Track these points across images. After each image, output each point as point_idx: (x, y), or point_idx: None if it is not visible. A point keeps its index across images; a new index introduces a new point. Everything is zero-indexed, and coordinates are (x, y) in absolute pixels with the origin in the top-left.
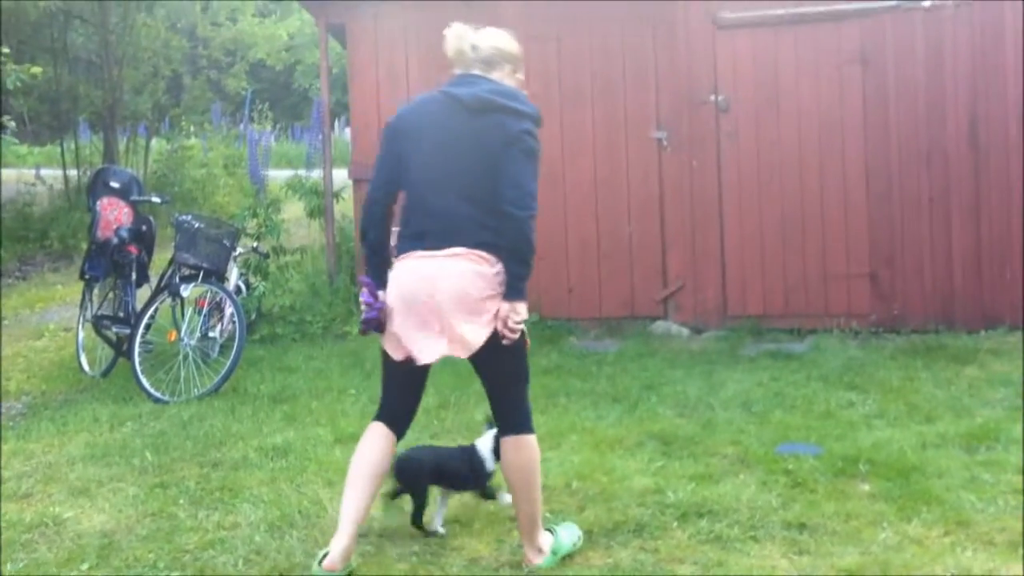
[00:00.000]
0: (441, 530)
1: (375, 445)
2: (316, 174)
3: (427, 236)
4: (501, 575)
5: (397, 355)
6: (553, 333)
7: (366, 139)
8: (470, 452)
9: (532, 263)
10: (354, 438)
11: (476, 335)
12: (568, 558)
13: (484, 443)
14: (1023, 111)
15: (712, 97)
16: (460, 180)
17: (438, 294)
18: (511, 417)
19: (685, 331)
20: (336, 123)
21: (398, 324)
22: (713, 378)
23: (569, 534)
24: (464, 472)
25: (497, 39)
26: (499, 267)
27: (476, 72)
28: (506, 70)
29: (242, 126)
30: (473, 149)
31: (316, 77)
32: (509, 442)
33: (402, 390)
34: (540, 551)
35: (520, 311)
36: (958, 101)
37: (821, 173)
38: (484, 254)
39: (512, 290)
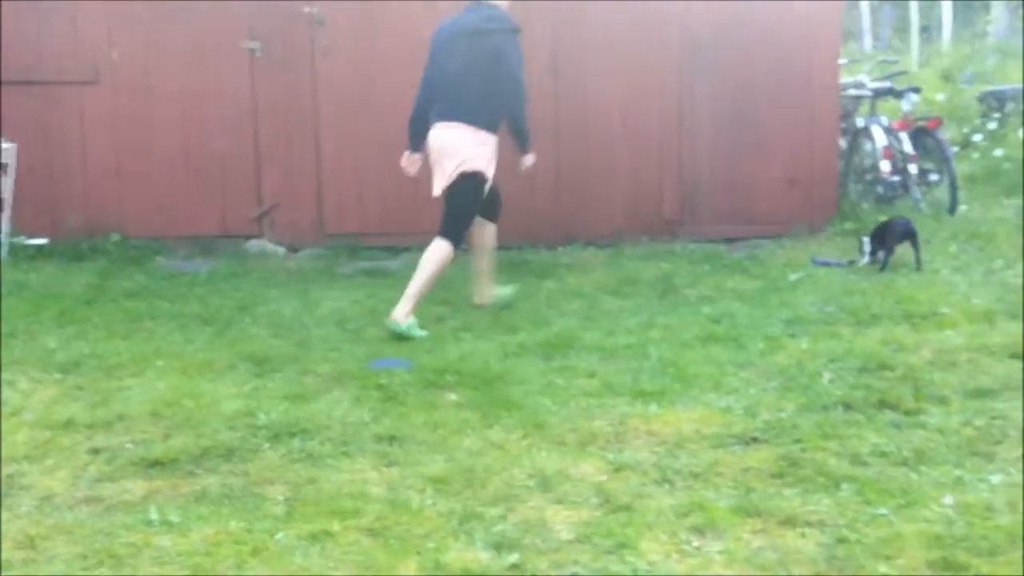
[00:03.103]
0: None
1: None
2: None
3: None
4: (78, 514)
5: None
6: (139, 253)
7: None
8: (906, 221)
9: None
10: None
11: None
12: (177, 476)
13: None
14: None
15: (307, 9)
16: None
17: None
18: (440, 225)
19: (281, 250)
20: None
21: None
22: (308, 297)
23: (418, 334)
24: (910, 230)
25: None
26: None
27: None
28: None
29: None
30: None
31: None
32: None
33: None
34: (406, 317)
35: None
36: (543, 25)
37: (414, 93)
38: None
39: None
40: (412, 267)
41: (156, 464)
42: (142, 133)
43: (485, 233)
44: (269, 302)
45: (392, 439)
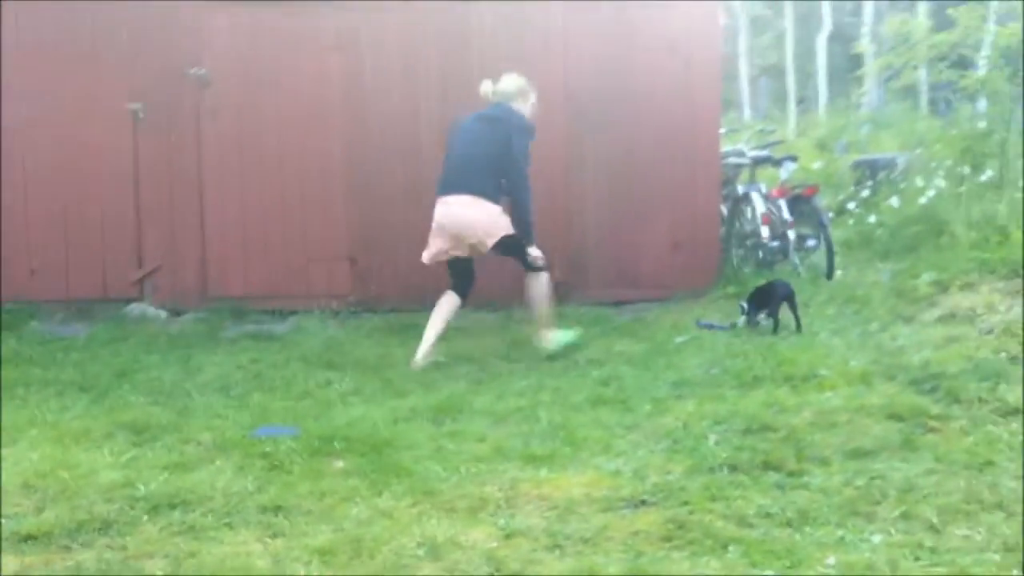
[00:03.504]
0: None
1: (449, 302)
2: None
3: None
4: None
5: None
6: (13, 318)
7: None
8: (784, 283)
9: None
10: None
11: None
12: (50, 551)
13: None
14: None
15: (193, 71)
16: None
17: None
18: (524, 265)
19: (163, 314)
20: None
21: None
22: (191, 362)
23: (572, 339)
24: (788, 293)
25: (505, 83)
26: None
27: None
28: (518, 100)
29: None
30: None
31: None
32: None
33: (457, 273)
34: (550, 337)
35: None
36: (431, 98)
37: (303, 156)
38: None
39: None
40: (299, 330)
41: (28, 539)
42: (20, 193)
43: (450, 302)
44: (149, 368)
45: (277, 509)
